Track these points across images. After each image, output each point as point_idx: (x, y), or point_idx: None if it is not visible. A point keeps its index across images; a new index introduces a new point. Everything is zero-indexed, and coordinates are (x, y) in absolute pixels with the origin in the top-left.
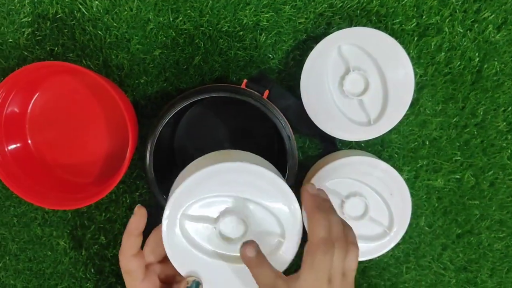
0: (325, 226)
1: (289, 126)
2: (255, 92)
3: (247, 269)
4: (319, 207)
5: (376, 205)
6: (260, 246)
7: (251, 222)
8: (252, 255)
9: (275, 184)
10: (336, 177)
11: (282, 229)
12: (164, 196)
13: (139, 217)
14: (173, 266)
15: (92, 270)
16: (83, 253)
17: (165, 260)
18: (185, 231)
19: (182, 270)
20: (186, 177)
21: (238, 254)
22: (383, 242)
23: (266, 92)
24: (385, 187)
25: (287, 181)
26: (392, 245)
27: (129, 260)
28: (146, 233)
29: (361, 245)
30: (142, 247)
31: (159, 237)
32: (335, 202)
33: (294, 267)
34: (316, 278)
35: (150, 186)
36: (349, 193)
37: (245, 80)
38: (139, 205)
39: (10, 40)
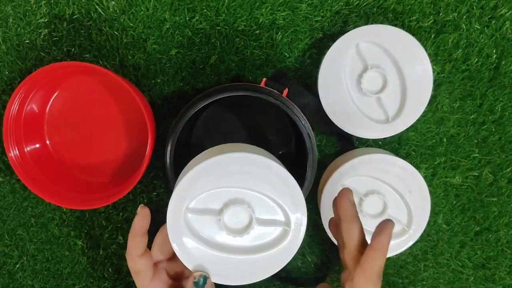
0: (363, 234)
1: (309, 124)
2: (275, 91)
3: (254, 261)
4: (357, 216)
5: (394, 203)
6: (265, 235)
7: (255, 212)
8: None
9: (277, 173)
10: (354, 175)
11: (288, 218)
12: None
13: (142, 217)
14: (181, 262)
15: (110, 270)
16: (100, 253)
17: (173, 257)
18: (190, 224)
19: (189, 265)
20: (188, 171)
21: (245, 245)
22: (402, 240)
23: (286, 91)
24: (404, 184)
25: (307, 179)
26: (411, 243)
27: (136, 260)
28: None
29: None
30: (149, 246)
31: (166, 235)
32: None
33: (300, 260)
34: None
35: (171, 185)
36: (368, 191)
37: (264, 79)
38: (142, 205)
39: (27, 41)
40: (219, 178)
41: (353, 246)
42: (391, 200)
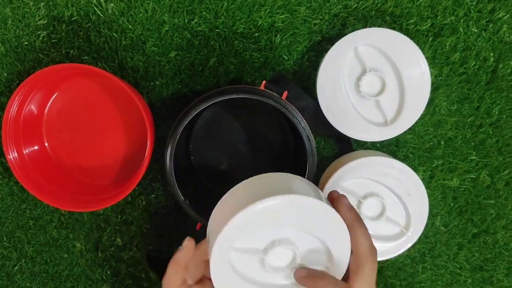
0: (369, 237)
1: (308, 127)
2: (275, 94)
3: None
4: (359, 219)
5: (393, 205)
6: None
7: (298, 250)
8: (304, 274)
9: (323, 212)
10: (353, 178)
11: (330, 255)
12: (184, 199)
13: (188, 250)
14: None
15: (109, 272)
16: (99, 255)
17: (201, 280)
18: (232, 263)
19: None
20: (232, 212)
21: (286, 282)
22: (400, 242)
23: (285, 93)
24: (402, 187)
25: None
26: (409, 245)
27: None
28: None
29: (378, 245)
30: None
31: (198, 260)
32: (352, 203)
33: None
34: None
35: (172, 189)
36: (366, 193)
37: (264, 81)
38: (188, 237)
39: (26, 43)
40: (265, 222)
41: (359, 252)
42: (389, 203)
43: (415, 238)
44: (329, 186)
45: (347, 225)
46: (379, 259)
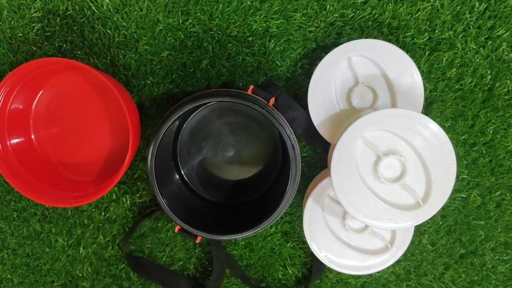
0: None
1: (294, 135)
2: (261, 99)
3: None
4: None
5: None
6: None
7: (407, 171)
8: None
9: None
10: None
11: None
12: (164, 200)
13: None
14: None
15: (89, 269)
16: (80, 252)
17: None
18: (356, 150)
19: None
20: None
21: (388, 197)
22: (384, 258)
23: (272, 99)
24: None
25: (289, 191)
26: (393, 260)
27: None
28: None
29: (362, 259)
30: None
31: None
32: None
33: (281, 272)
34: None
35: (153, 189)
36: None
37: (251, 87)
38: None
39: (20, 35)
40: (397, 127)
41: None
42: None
43: (399, 254)
44: (314, 196)
45: None
46: (363, 273)
